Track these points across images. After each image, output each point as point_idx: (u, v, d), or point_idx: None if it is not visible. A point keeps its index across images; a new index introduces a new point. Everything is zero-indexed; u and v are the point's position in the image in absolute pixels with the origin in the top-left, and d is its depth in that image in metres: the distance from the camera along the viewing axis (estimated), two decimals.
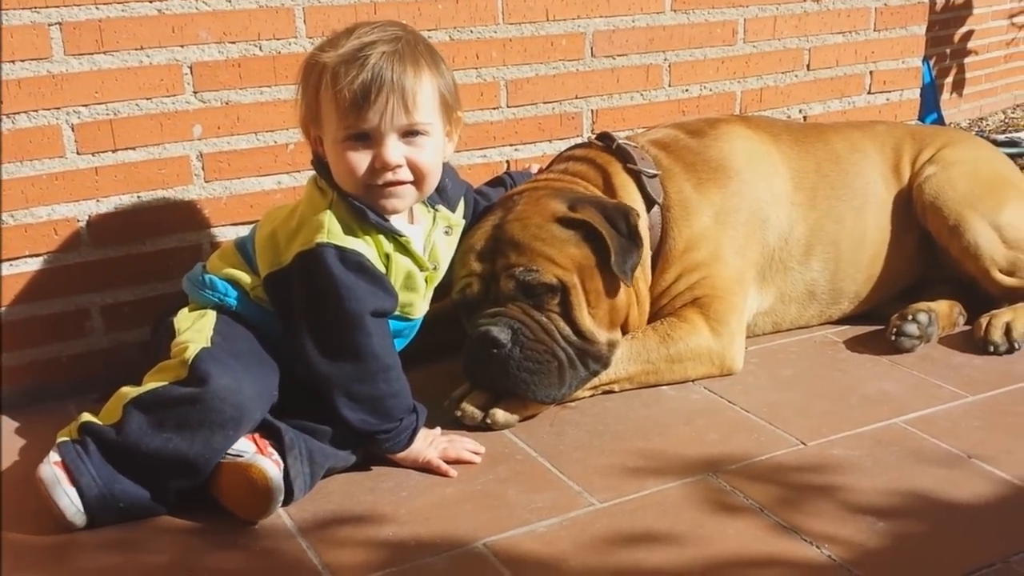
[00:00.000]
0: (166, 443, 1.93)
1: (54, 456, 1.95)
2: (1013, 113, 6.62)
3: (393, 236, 2.14)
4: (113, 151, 2.47)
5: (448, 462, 2.14)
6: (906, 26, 3.58)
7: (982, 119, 6.42)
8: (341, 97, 2.02)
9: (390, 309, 2.14)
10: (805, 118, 3.46)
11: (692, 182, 2.63)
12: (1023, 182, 2.94)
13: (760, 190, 2.70)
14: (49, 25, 2.34)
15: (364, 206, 2.09)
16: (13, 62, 2.32)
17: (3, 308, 2.43)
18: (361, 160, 2.06)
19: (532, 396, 2.30)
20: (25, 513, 1.97)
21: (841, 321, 2.89)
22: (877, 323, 2.83)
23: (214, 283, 2.18)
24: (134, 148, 2.49)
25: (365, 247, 2.09)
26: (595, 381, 2.42)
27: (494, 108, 2.91)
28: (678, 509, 1.98)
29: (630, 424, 2.33)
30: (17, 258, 2.43)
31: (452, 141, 2.22)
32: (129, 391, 2.01)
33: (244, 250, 2.22)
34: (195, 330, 2.09)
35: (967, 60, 6.27)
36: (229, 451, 1.95)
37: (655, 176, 2.59)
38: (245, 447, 1.96)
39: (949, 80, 6.19)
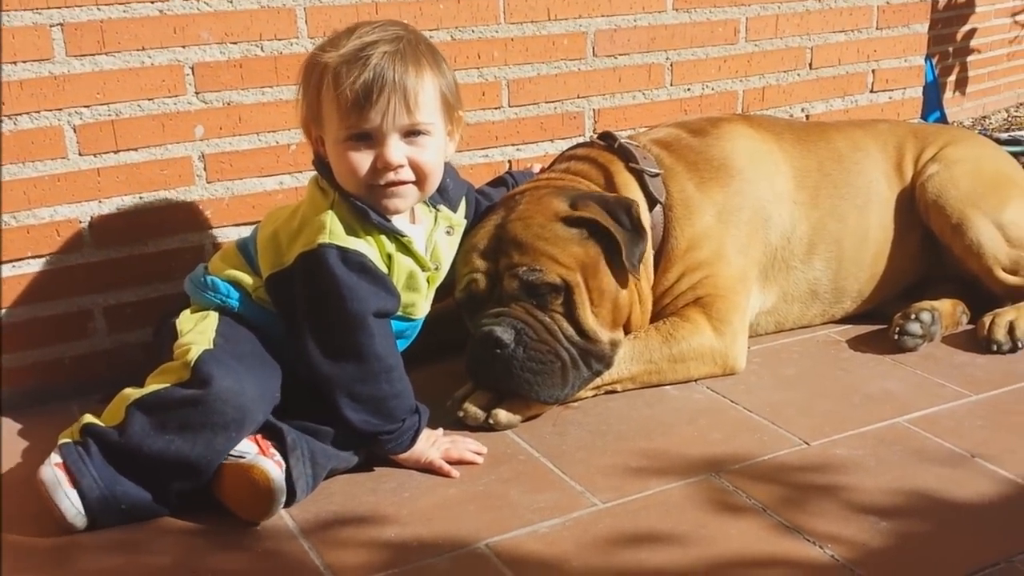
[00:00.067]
0: (168, 445, 1.93)
1: (55, 457, 1.95)
2: (1016, 111, 6.61)
3: (395, 236, 2.14)
4: (115, 152, 2.47)
5: (450, 463, 2.13)
6: (908, 24, 3.58)
7: (985, 117, 6.41)
8: (343, 97, 2.02)
9: (392, 309, 2.13)
10: (807, 117, 3.45)
11: (694, 181, 2.63)
12: None
13: (762, 189, 2.70)
14: (51, 26, 2.34)
15: (366, 206, 2.08)
16: (15, 63, 2.32)
17: (5, 309, 2.43)
18: (363, 160, 2.06)
19: (535, 396, 2.30)
20: (26, 515, 1.97)
21: (844, 320, 2.89)
22: (880, 322, 2.82)
23: (216, 284, 2.18)
24: (136, 149, 2.49)
25: (367, 247, 2.09)
26: (598, 381, 2.42)
27: (496, 108, 2.91)
28: (681, 509, 1.98)
29: (633, 424, 2.33)
30: (19, 259, 2.43)
31: (454, 141, 2.22)
32: (131, 393, 2.01)
33: (246, 251, 2.22)
34: (197, 332, 2.09)
35: (970, 58, 6.25)
36: (231, 452, 1.95)
37: (657, 175, 2.58)
38: (247, 448, 1.96)
39: (952, 78, 6.18)
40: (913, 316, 2.70)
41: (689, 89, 3.21)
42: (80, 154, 2.43)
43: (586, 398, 2.43)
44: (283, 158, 2.65)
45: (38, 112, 2.37)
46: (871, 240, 2.83)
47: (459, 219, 2.36)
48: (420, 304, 2.24)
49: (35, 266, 2.44)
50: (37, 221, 2.42)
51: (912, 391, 2.46)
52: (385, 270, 2.12)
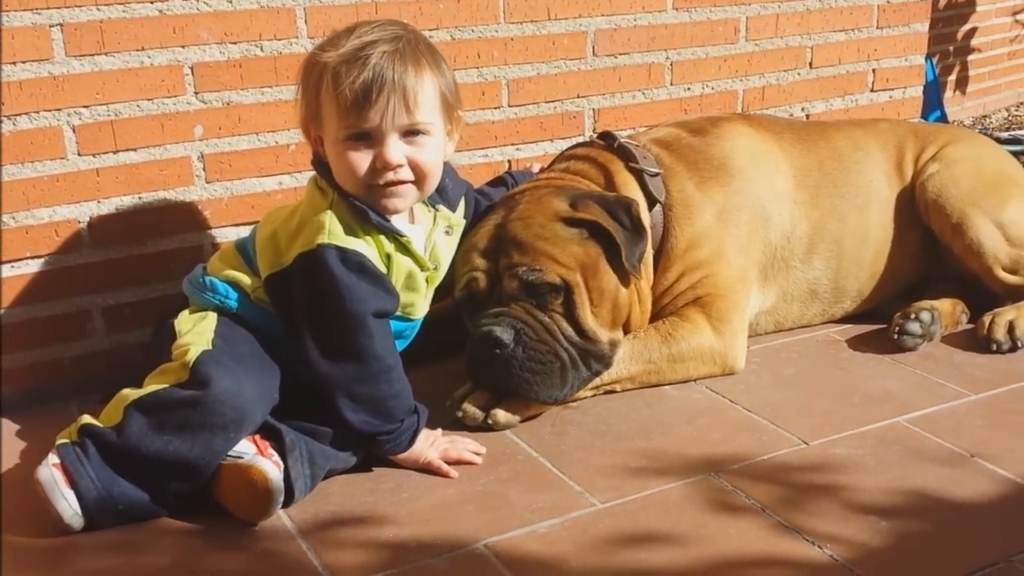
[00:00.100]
0: (166, 445, 1.93)
1: (53, 458, 1.95)
2: (1017, 111, 6.60)
3: (394, 236, 2.13)
4: (114, 152, 2.47)
5: (449, 463, 2.13)
6: (909, 23, 3.57)
7: (985, 117, 6.40)
8: (342, 97, 2.01)
9: (391, 310, 2.13)
10: (808, 116, 3.45)
11: (694, 181, 2.62)
12: None
13: (762, 188, 2.70)
14: (50, 26, 2.34)
15: (365, 206, 2.08)
16: (14, 63, 2.32)
17: (4, 310, 2.43)
18: (362, 160, 2.06)
19: (535, 396, 2.30)
20: (24, 515, 1.97)
21: (843, 320, 2.89)
22: (879, 322, 2.82)
23: (215, 285, 2.18)
24: (135, 149, 2.48)
25: (366, 247, 2.09)
26: (597, 381, 2.41)
27: (496, 107, 2.91)
28: (680, 509, 1.98)
29: (632, 424, 2.32)
30: (18, 260, 2.43)
31: (453, 140, 2.22)
32: (130, 393, 2.01)
33: (245, 251, 2.22)
34: (196, 332, 2.09)
35: (970, 57, 6.25)
36: (230, 452, 1.95)
37: (657, 175, 2.58)
38: (245, 448, 1.96)
39: (952, 78, 6.17)
40: (913, 315, 2.70)
41: (689, 88, 3.21)
42: (79, 154, 2.43)
43: (585, 398, 2.43)
44: (282, 158, 2.65)
45: (37, 112, 2.37)
46: (871, 239, 2.83)
47: (458, 219, 2.35)
48: (419, 304, 2.24)
49: (34, 266, 2.44)
50: (36, 221, 2.42)
51: (912, 391, 2.46)
52: (384, 270, 2.12)
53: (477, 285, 2.36)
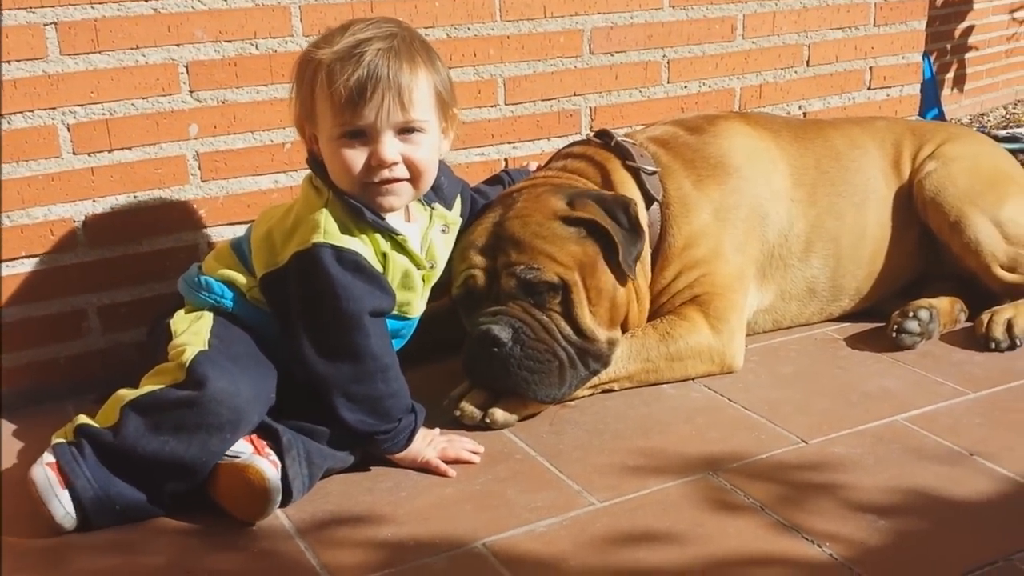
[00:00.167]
0: (163, 446, 1.92)
1: (48, 457, 1.94)
2: (1014, 108, 6.60)
3: (390, 235, 2.13)
4: (109, 151, 2.46)
5: (447, 462, 2.13)
6: (906, 21, 3.57)
7: (983, 115, 6.40)
8: (337, 94, 2.01)
9: (388, 308, 2.13)
10: (805, 114, 3.45)
11: (691, 179, 2.62)
12: None
13: (759, 187, 2.69)
14: (44, 25, 2.33)
15: (360, 204, 2.08)
16: (8, 62, 2.31)
17: (0, 309, 2.43)
18: (357, 158, 2.05)
19: (532, 395, 2.29)
20: (22, 515, 1.96)
21: (842, 318, 2.88)
22: (878, 320, 2.82)
23: (210, 284, 2.17)
24: (130, 148, 2.48)
25: (362, 246, 2.08)
26: (595, 380, 2.41)
27: (492, 106, 2.90)
28: (678, 508, 1.97)
29: (630, 423, 2.32)
30: (14, 259, 2.42)
31: (448, 138, 2.22)
32: (126, 394, 2.00)
33: (240, 250, 2.21)
34: (192, 332, 2.08)
35: (968, 55, 6.25)
36: (227, 452, 1.95)
37: (654, 173, 2.58)
38: (242, 448, 1.95)
39: (950, 76, 6.17)
40: (911, 314, 2.70)
41: (686, 87, 3.20)
42: (74, 153, 2.42)
43: (583, 397, 2.42)
44: (278, 157, 2.64)
45: (32, 111, 2.36)
46: (869, 238, 2.82)
47: (454, 217, 2.35)
48: (415, 303, 2.24)
49: (29, 266, 2.44)
50: (31, 220, 2.42)
51: (910, 389, 2.46)
52: (380, 269, 2.12)
53: (475, 283, 2.35)
